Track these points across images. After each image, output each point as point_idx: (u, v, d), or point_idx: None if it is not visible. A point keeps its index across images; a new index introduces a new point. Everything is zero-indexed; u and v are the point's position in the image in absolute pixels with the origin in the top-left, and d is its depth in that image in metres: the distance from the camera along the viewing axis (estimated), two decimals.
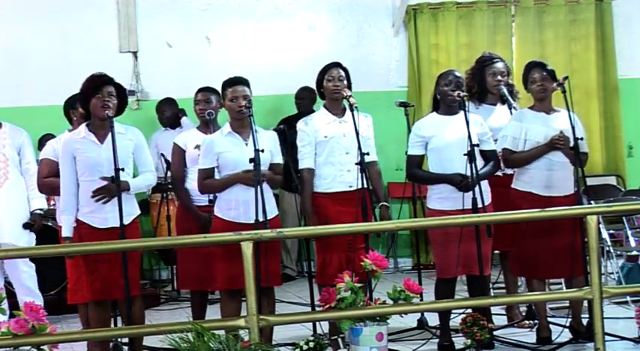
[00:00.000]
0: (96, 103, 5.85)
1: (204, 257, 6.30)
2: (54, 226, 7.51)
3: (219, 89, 6.14)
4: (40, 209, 7.09)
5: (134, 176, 6.06)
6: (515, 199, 6.34)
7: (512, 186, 6.41)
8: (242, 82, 6.01)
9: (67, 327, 7.43)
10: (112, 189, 5.77)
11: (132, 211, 5.94)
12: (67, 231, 5.89)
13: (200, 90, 6.88)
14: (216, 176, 5.99)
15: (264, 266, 5.58)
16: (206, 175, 5.99)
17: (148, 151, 6.16)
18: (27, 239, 7.09)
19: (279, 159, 6.08)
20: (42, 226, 7.22)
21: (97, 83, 5.87)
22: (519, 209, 6.05)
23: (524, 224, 6.25)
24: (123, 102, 5.99)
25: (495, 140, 6.60)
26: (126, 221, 5.78)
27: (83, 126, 5.98)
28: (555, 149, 6.23)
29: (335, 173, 6.24)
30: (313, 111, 9.12)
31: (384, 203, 6.30)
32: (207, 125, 6.71)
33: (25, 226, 7.08)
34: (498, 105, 6.97)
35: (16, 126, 7.24)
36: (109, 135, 5.80)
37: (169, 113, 9.28)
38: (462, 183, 6.12)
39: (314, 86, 6.49)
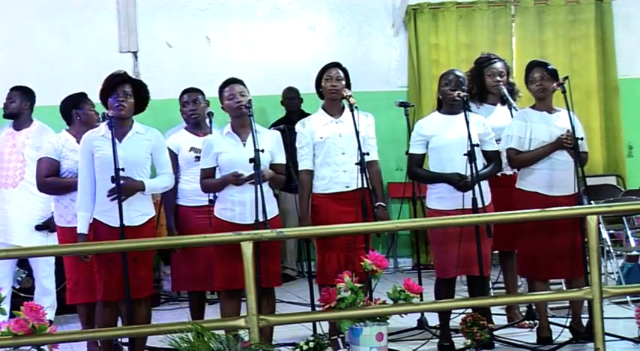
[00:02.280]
0: (112, 103, 5.85)
1: (199, 258, 6.30)
2: None
3: (217, 89, 6.14)
4: None
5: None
6: (519, 199, 6.32)
7: (517, 186, 6.39)
8: (237, 81, 6.04)
9: (67, 327, 7.44)
10: (128, 188, 5.74)
11: (147, 211, 5.92)
12: (82, 228, 5.84)
13: (185, 91, 6.90)
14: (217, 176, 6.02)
15: (264, 266, 5.58)
16: (206, 174, 6.02)
17: (166, 153, 6.11)
18: (40, 241, 7.04)
19: (280, 159, 6.08)
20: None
21: (114, 83, 5.86)
22: (525, 209, 6.02)
23: (525, 224, 6.25)
24: (143, 99, 5.99)
25: (497, 140, 6.60)
26: (141, 221, 5.81)
27: (104, 124, 5.94)
28: (562, 148, 6.22)
29: (331, 174, 6.24)
30: (301, 110, 9.22)
31: (381, 203, 6.30)
32: (198, 126, 6.72)
33: (38, 227, 7.06)
34: (498, 105, 6.96)
35: (46, 125, 7.22)
36: (128, 134, 5.86)
37: None
38: (460, 183, 6.13)
39: (313, 86, 6.48)
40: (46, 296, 6.92)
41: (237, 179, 5.83)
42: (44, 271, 7.14)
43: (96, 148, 5.85)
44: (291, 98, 9.64)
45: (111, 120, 5.78)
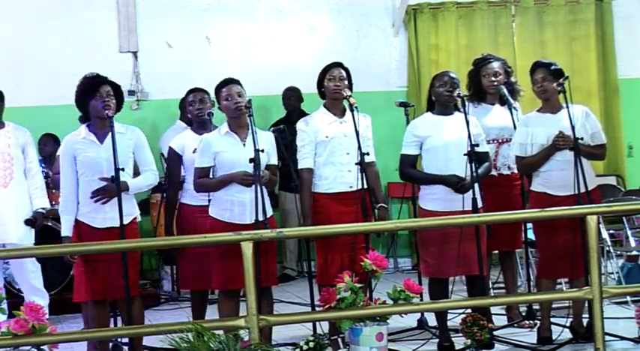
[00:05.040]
0: (95, 104, 5.85)
1: (201, 257, 6.30)
2: (54, 226, 7.48)
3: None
4: (43, 208, 7.08)
5: (135, 176, 6.06)
6: (532, 200, 6.32)
7: (531, 188, 6.39)
8: (234, 81, 6.03)
9: (67, 327, 7.44)
10: (112, 189, 5.77)
11: (131, 211, 5.95)
12: (66, 230, 5.89)
13: (191, 91, 6.89)
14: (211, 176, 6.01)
15: (263, 266, 5.58)
16: (201, 174, 5.99)
17: (148, 150, 6.15)
18: (30, 239, 7.08)
19: (274, 160, 6.09)
20: (42, 225, 7.19)
21: (94, 84, 5.87)
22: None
23: (539, 223, 6.24)
24: (120, 100, 6.00)
25: (489, 141, 6.61)
26: (125, 221, 5.78)
27: (83, 126, 5.98)
28: (558, 150, 6.21)
29: (336, 174, 6.24)
30: (301, 110, 9.22)
31: (383, 204, 6.30)
32: (204, 126, 6.72)
33: (27, 222, 7.07)
34: (496, 105, 6.96)
35: (19, 125, 7.23)
36: (109, 135, 5.81)
37: None
38: (458, 185, 6.12)
39: (314, 86, 6.48)
40: (38, 296, 6.89)
41: (247, 179, 5.81)
42: (32, 272, 7.13)
43: (78, 151, 5.88)
44: (288, 98, 9.65)
45: (111, 120, 5.78)
